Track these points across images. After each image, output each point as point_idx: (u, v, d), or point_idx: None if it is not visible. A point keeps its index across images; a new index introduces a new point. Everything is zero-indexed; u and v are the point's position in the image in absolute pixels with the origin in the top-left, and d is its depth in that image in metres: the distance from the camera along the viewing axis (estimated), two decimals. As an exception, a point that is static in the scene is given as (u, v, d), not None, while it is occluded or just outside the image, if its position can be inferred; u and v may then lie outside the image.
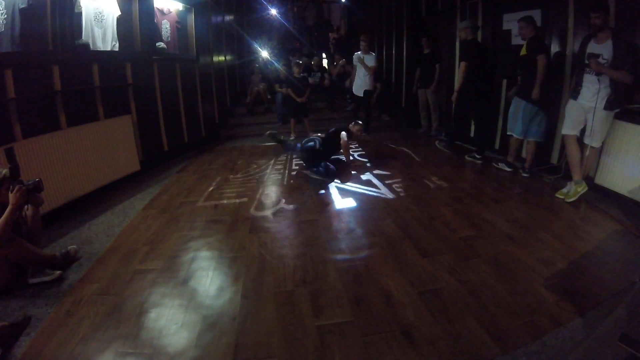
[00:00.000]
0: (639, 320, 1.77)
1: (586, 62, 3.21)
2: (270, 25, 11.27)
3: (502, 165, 4.43)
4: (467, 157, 4.95)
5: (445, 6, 6.12)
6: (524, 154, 4.37)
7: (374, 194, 3.80)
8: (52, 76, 3.38)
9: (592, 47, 3.21)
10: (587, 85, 3.28)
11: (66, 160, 3.37)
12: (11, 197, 2.21)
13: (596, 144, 3.32)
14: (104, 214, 3.47)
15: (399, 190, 3.86)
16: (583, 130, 3.40)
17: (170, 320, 2.01)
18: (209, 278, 2.41)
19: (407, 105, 7.41)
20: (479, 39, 5.06)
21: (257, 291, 2.25)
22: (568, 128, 3.48)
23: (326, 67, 9.37)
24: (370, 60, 6.27)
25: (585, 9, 3.38)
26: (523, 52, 3.92)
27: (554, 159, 4.13)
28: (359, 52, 6.35)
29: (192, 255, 2.69)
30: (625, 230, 2.90)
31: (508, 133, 4.30)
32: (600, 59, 3.12)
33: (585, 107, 3.30)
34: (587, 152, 3.40)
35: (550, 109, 3.95)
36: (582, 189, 3.40)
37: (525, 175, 4.15)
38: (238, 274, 2.44)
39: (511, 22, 4.65)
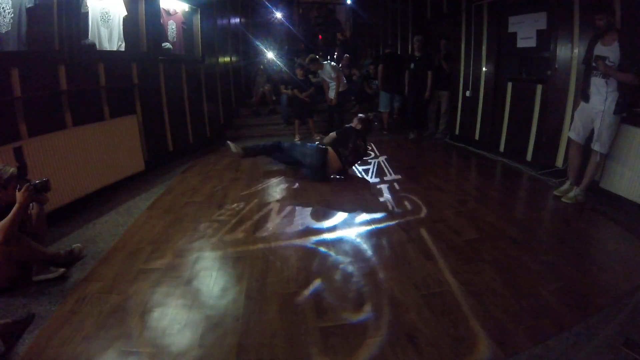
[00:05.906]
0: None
1: (594, 64, 3.14)
2: (275, 26, 11.30)
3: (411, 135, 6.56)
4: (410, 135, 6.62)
5: (451, 8, 6.11)
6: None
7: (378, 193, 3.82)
8: (58, 76, 3.40)
9: (599, 49, 3.15)
10: (595, 88, 3.22)
11: (71, 159, 3.39)
12: (18, 195, 2.22)
13: (604, 149, 3.23)
14: (108, 213, 3.48)
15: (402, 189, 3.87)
16: (589, 139, 3.35)
17: (174, 320, 2.01)
18: (212, 278, 2.41)
19: (415, 108, 7.40)
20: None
21: (261, 292, 2.25)
22: (573, 132, 3.48)
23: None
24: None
25: (590, 11, 3.36)
26: None
27: (559, 163, 4.11)
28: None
29: (196, 255, 2.70)
30: (630, 234, 2.88)
31: (380, 110, 6.95)
32: (607, 62, 3.04)
33: (594, 111, 3.24)
34: (592, 158, 3.33)
35: (403, 95, 6.71)
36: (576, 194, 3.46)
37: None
38: (242, 274, 2.44)
39: (516, 25, 4.65)
